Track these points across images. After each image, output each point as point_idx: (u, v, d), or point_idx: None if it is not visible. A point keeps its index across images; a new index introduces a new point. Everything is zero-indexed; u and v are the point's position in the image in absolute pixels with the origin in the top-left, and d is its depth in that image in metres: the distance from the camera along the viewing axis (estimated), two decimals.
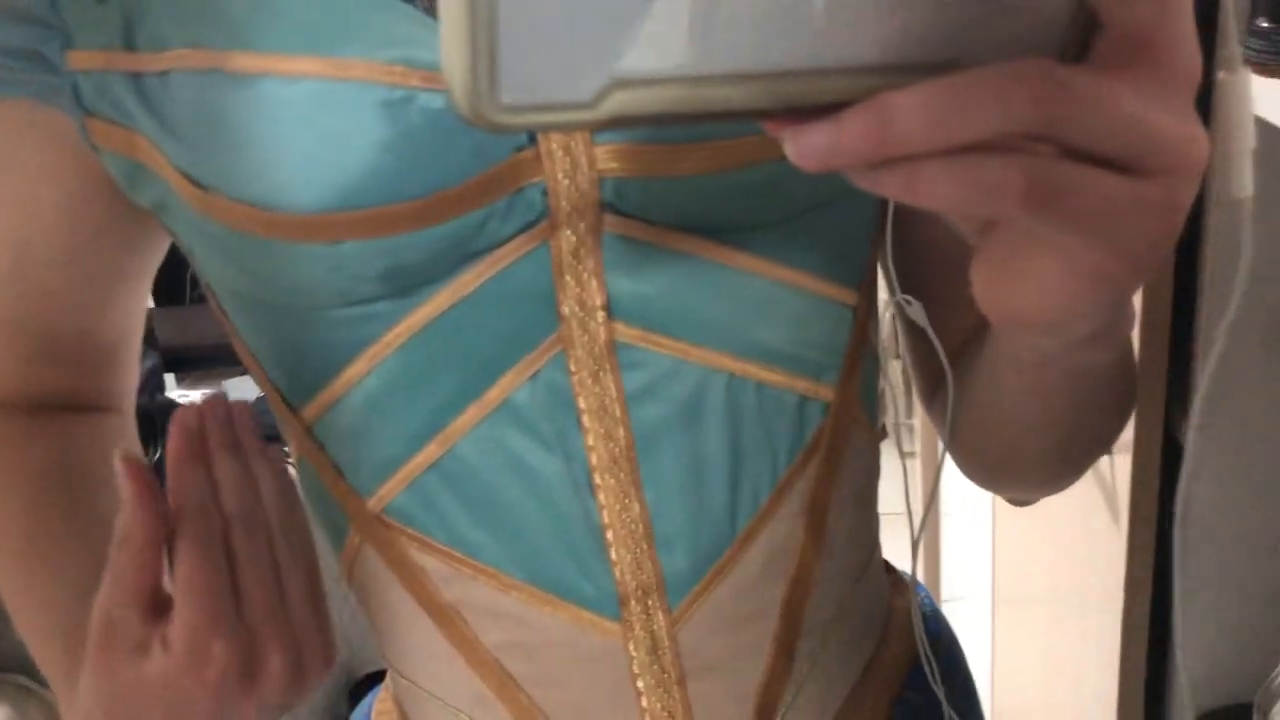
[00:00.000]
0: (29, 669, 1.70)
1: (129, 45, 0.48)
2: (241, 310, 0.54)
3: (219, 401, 0.48)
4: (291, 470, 0.53)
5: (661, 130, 0.46)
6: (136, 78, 0.48)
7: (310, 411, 0.54)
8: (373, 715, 0.66)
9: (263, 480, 0.48)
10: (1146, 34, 0.28)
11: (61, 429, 0.62)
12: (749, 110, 0.27)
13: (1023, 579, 1.67)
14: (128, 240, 0.58)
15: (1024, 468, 0.56)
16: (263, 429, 0.49)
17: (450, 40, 0.25)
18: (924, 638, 0.62)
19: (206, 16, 0.46)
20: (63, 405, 0.63)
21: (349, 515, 0.55)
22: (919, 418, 2.01)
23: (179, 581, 0.44)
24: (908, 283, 0.58)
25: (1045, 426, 0.51)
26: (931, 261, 0.58)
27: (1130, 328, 0.38)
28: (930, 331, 0.55)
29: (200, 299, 0.58)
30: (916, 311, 0.55)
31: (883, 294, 0.59)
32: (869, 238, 0.56)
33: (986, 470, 0.59)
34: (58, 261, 0.57)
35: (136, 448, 0.65)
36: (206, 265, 0.54)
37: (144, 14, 0.48)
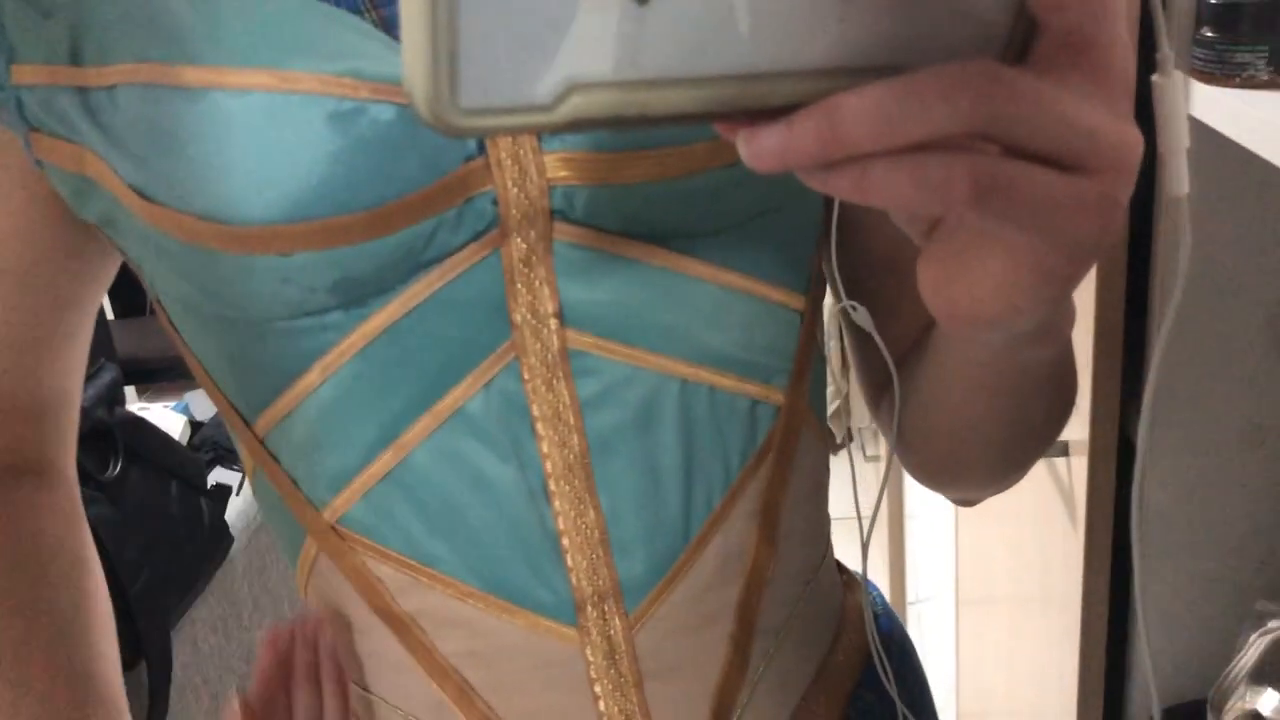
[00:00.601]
0: None
1: (75, 60, 0.48)
2: (193, 323, 0.54)
3: (307, 623, 0.51)
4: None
5: (612, 136, 0.47)
6: (82, 92, 0.48)
7: (263, 423, 0.53)
8: None
9: (329, 702, 0.51)
10: (1083, 38, 0.29)
11: (8, 499, 0.61)
12: (703, 113, 0.28)
13: (985, 580, 1.69)
14: (75, 266, 0.58)
15: (969, 467, 0.57)
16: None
17: (411, 44, 0.25)
18: (875, 636, 0.63)
19: (154, 30, 0.46)
20: (2, 467, 0.62)
21: (304, 526, 0.55)
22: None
23: None
24: (853, 288, 0.58)
25: (989, 425, 0.52)
26: (876, 266, 0.59)
27: (1071, 324, 0.39)
28: (876, 335, 0.55)
29: None
30: (862, 316, 0.56)
31: (830, 298, 0.60)
32: (815, 243, 0.57)
33: (932, 471, 0.60)
34: (5, 290, 0.57)
35: (80, 512, 0.65)
36: (156, 279, 0.53)
37: (90, 28, 0.47)
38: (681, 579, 0.54)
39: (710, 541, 0.54)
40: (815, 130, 0.27)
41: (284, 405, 0.52)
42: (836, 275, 0.58)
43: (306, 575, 0.57)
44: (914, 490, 2.19)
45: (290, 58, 0.45)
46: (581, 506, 0.52)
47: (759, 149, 0.27)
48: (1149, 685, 1.14)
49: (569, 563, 0.52)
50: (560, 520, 0.52)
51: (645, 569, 0.53)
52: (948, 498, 0.63)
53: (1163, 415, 1.06)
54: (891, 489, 2.14)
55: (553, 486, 0.51)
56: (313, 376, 0.50)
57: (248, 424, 0.54)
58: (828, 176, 0.28)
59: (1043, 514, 1.27)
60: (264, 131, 0.45)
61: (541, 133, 0.28)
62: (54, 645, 0.57)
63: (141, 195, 0.48)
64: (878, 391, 0.63)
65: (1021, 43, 0.30)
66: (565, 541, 0.52)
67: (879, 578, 2.13)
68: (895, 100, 0.26)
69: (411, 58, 0.25)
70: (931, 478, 0.60)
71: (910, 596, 2.27)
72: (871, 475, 3.00)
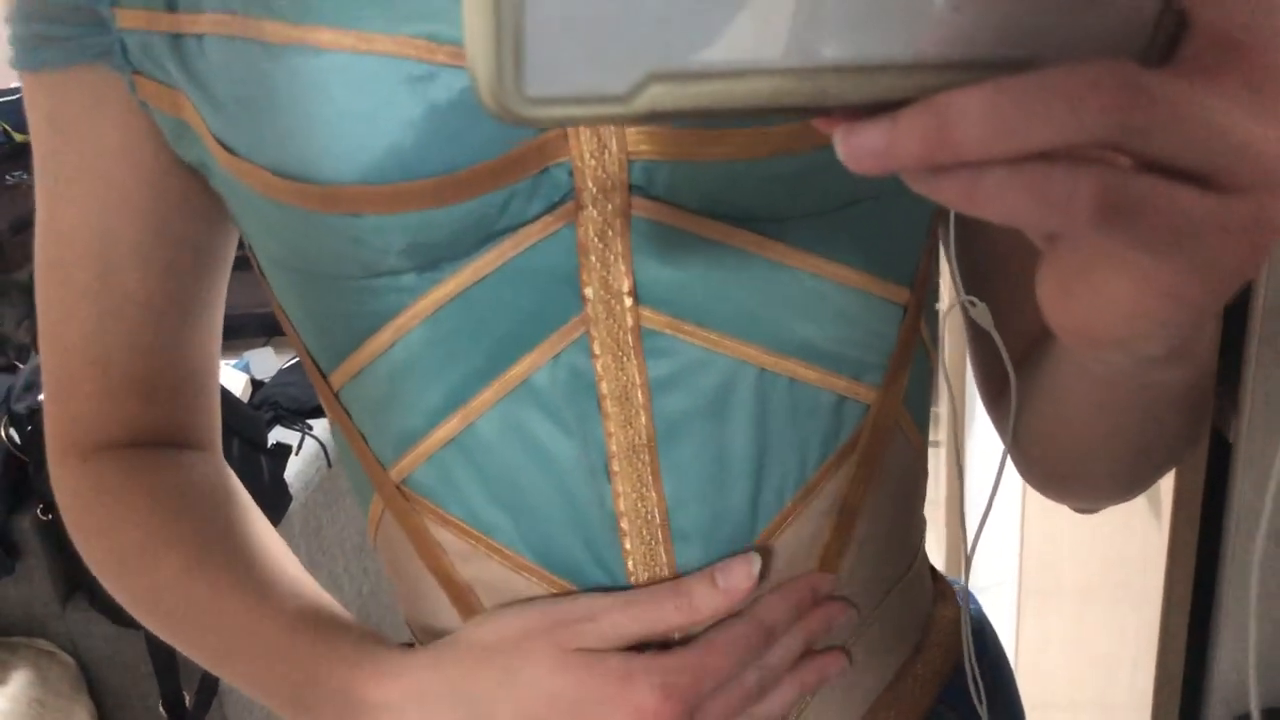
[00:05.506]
0: (50, 633, 1.70)
1: (170, 6, 0.49)
2: (275, 273, 0.54)
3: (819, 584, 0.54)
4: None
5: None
6: (176, 39, 0.49)
7: (337, 377, 0.54)
8: None
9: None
10: (1238, 36, 0.26)
11: (175, 460, 0.62)
12: (797, 106, 0.25)
13: (1052, 570, 1.65)
14: (200, 230, 0.58)
15: (1088, 479, 0.54)
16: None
17: (474, 27, 0.23)
18: (971, 651, 0.60)
19: None
20: (157, 445, 0.62)
21: (373, 482, 0.55)
22: (944, 404, 1.99)
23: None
24: (972, 280, 0.56)
25: (1111, 440, 0.49)
26: (998, 260, 0.56)
27: (1210, 347, 0.35)
28: (995, 334, 0.53)
29: None
30: (981, 313, 0.53)
31: (946, 293, 0.57)
32: (925, 233, 0.54)
33: (1047, 478, 0.57)
34: (141, 255, 0.57)
35: (232, 477, 0.65)
36: (244, 228, 0.54)
37: None
38: None
39: (778, 539, 0.52)
40: (921, 131, 0.24)
41: (357, 362, 0.52)
42: (955, 268, 0.55)
43: (375, 530, 0.57)
44: (976, 473, 2.15)
45: (367, 18, 0.44)
46: (643, 490, 0.50)
47: (858, 148, 0.25)
48: (1248, 684, 1.10)
49: (626, 546, 0.51)
50: (620, 501, 0.51)
51: (704, 559, 0.52)
52: (1065, 505, 0.60)
53: (1259, 409, 1.02)
54: (951, 473, 2.10)
55: (615, 467, 0.50)
56: (385, 336, 0.50)
57: (324, 376, 0.55)
58: (935, 182, 0.25)
59: (1124, 507, 1.23)
60: (338, 92, 0.44)
61: (614, 124, 0.25)
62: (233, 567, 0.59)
63: (222, 145, 0.49)
64: (995, 392, 0.60)
65: (1167, 40, 0.26)
66: (624, 524, 0.51)
67: (935, 563, 2.10)
68: (1013, 102, 0.24)
69: (474, 39, 0.23)
70: (1048, 486, 0.58)
71: (969, 584, 2.24)
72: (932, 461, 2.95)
